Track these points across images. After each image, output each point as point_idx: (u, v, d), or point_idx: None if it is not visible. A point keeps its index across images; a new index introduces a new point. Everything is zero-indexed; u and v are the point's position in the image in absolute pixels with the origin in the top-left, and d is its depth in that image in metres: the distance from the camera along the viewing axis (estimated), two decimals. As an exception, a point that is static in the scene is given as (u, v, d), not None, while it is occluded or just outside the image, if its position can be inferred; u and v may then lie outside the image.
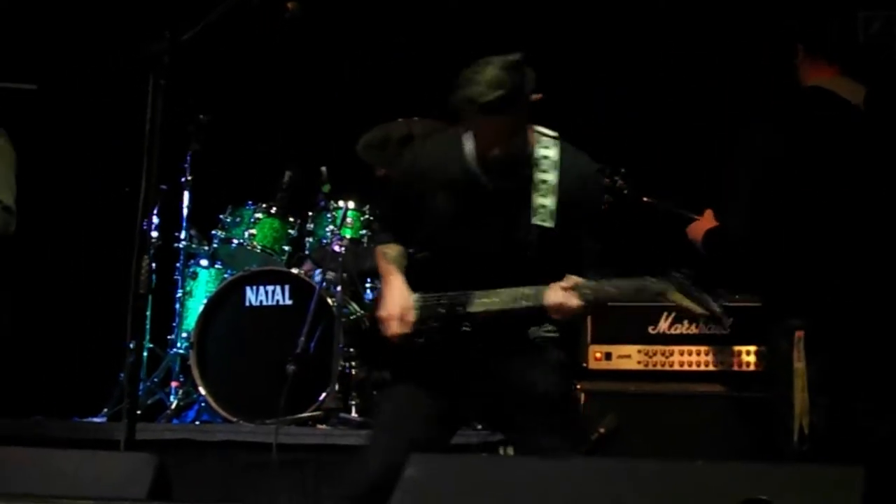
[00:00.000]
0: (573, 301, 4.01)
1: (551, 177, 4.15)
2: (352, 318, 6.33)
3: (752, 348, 5.47)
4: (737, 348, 5.55)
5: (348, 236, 6.53)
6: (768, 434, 4.80)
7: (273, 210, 6.80)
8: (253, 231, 6.74)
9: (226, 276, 6.73)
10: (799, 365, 4.52)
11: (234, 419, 6.19)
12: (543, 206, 4.14)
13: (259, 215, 6.77)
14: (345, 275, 6.37)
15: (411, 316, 4.22)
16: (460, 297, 4.19)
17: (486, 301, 4.14)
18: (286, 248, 6.80)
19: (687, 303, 4.01)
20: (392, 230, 4.45)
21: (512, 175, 4.15)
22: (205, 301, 6.53)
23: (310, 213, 6.75)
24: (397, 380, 4.31)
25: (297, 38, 6.83)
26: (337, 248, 6.42)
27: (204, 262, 6.87)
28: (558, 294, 4.02)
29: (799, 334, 4.54)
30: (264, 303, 6.43)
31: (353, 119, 6.97)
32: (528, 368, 4.23)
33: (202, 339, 6.42)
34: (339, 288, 6.27)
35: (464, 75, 4.04)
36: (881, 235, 4.64)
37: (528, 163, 4.17)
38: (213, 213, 6.94)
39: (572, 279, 4.03)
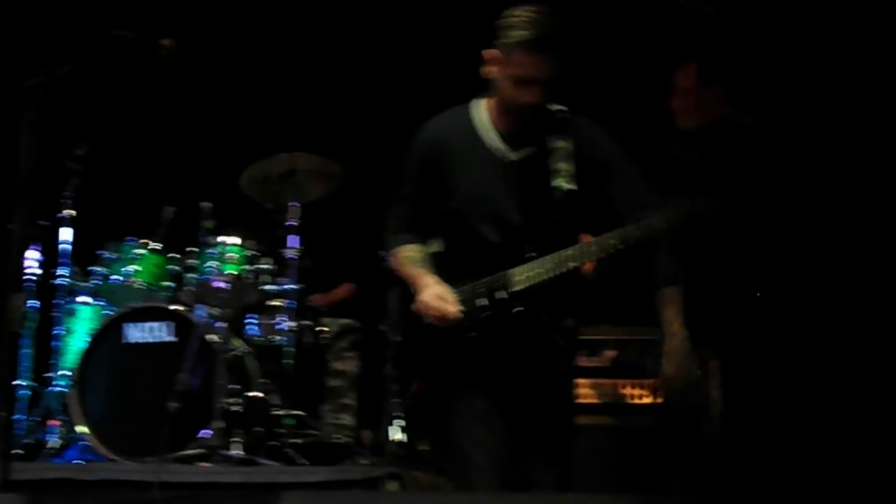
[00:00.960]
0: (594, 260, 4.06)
1: (565, 143, 4.16)
2: (234, 353, 6.30)
3: (643, 380, 5.55)
4: (623, 381, 5.63)
5: (231, 272, 6.50)
6: (657, 464, 4.87)
7: (155, 246, 6.74)
8: (135, 267, 6.68)
9: (107, 312, 6.65)
10: (715, 393, 4.59)
11: (116, 457, 6.11)
12: (563, 169, 4.12)
13: (140, 251, 6.72)
14: (227, 310, 6.35)
15: (454, 302, 4.17)
16: (498, 281, 4.15)
17: (528, 275, 4.11)
18: (168, 284, 6.74)
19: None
20: (411, 230, 4.41)
21: (529, 140, 4.18)
22: (86, 338, 6.45)
23: (192, 249, 6.71)
24: (460, 389, 4.24)
25: (178, 74, 6.80)
26: (219, 284, 6.39)
27: (85, 299, 6.79)
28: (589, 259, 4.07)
29: (714, 364, 4.60)
30: (146, 339, 6.36)
31: (235, 154, 6.97)
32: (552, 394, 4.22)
33: (83, 377, 6.34)
34: (221, 324, 6.24)
35: (505, 21, 4.12)
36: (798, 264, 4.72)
37: (545, 130, 4.20)
38: (94, 249, 6.86)
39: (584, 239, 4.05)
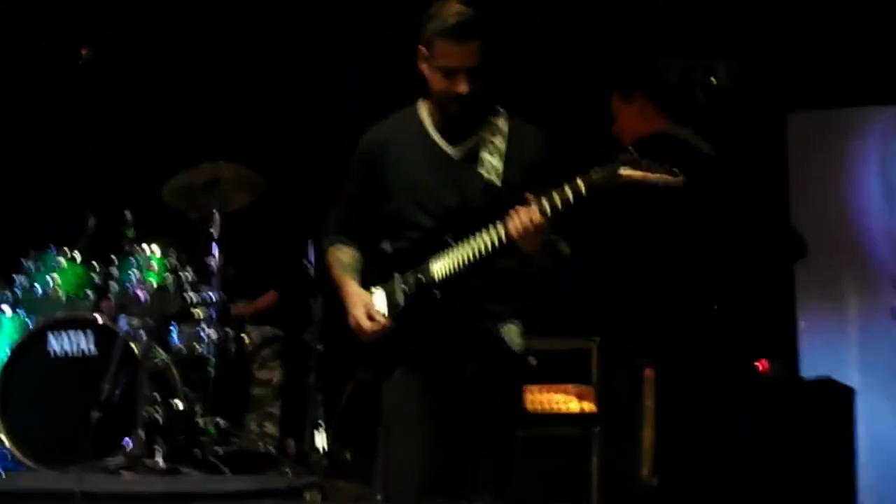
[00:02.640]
0: (535, 216, 3.96)
1: (499, 140, 4.21)
2: (157, 362, 6.29)
3: (569, 387, 5.60)
4: (548, 390, 5.68)
5: (153, 281, 6.48)
6: (580, 473, 4.91)
7: (76, 255, 6.70)
8: (56, 277, 6.64)
9: (29, 323, 6.60)
10: (649, 403, 4.64)
11: (37, 467, 6.06)
12: (490, 163, 4.16)
13: (62, 261, 6.67)
14: (150, 320, 6.33)
15: (377, 312, 4.16)
16: (419, 270, 4.15)
17: (446, 262, 4.12)
18: (90, 293, 6.70)
19: (640, 174, 3.95)
20: (345, 232, 4.41)
21: (467, 133, 4.22)
22: (7, 348, 6.40)
23: (114, 259, 6.67)
24: (392, 387, 4.22)
25: (98, 82, 6.78)
26: (141, 294, 6.37)
27: (6, 309, 6.73)
28: (516, 218, 3.98)
29: (649, 373, 4.65)
30: (68, 350, 6.32)
31: (157, 163, 6.95)
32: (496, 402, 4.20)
33: (5, 388, 6.28)
34: (143, 334, 6.22)
35: (427, 14, 4.17)
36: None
37: (482, 126, 4.24)
38: (15, 258, 6.81)
39: (527, 196, 4.01)
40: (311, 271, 6.91)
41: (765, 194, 6.44)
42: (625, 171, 3.94)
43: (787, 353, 7.22)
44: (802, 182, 7.69)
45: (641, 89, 5.37)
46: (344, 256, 4.39)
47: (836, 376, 6.32)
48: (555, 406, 5.93)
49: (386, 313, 4.19)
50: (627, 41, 7.48)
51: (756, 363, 5.65)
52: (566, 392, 5.92)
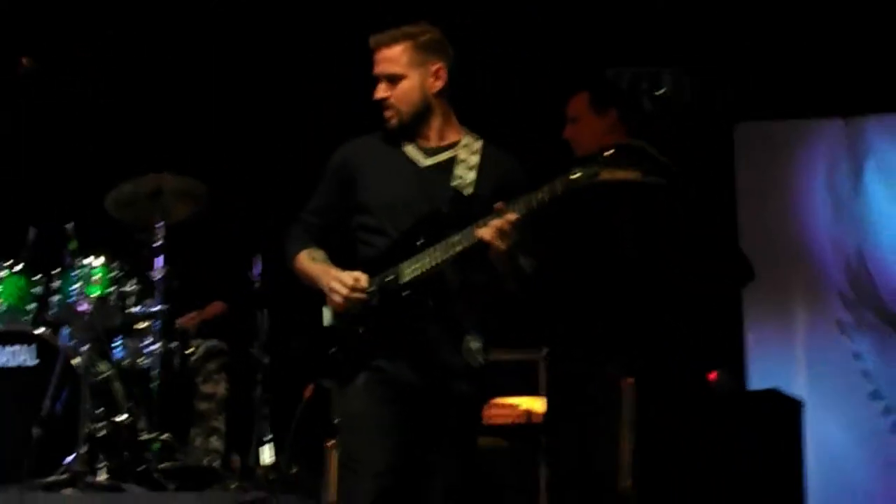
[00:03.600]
0: (509, 217, 3.98)
1: (473, 158, 4.27)
2: (99, 378, 6.21)
3: (525, 399, 5.60)
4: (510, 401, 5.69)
5: (95, 294, 6.40)
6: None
7: (17, 267, 6.61)
8: (-4, 289, 6.55)
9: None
10: (626, 413, 4.63)
11: (-23, 485, 5.98)
12: (461, 177, 4.23)
13: (2, 273, 6.57)
14: (92, 333, 6.25)
15: (363, 280, 4.16)
16: (389, 273, 4.16)
17: (416, 266, 4.12)
18: (31, 307, 6.60)
19: (622, 174, 3.95)
20: (314, 241, 4.39)
21: (442, 149, 4.29)
22: (-54, 362, 6.31)
23: (56, 271, 6.59)
24: (357, 383, 4.18)
25: (39, 92, 6.69)
26: (83, 307, 6.29)
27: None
28: (490, 223, 4.00)
29: (629, 381, 4.64)
30: (8, 364, 6.24)
31: (100, 174, 6.88)
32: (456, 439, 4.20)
33: (-57, 402, 6.20)
34: (85, 347, 6.14)
35: None
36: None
37: (457, 145, 4.30)
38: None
39: (497, 204, 4.02)
40: (257, 284, 6.87)
41: (713, 206, 6.46)
42: (606, 173, 3.94)
43: (734, 364, 7.25)
44: (749, 194, 7.72)
45: (617, 107, 5.36)
46: (318, 255, 4.38)
47: (784, 388, 6.33)
48: (504, 417, 5.93)
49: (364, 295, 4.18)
50: (578, 50, 7.49)
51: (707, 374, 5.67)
52: (514, 403, 5.91)
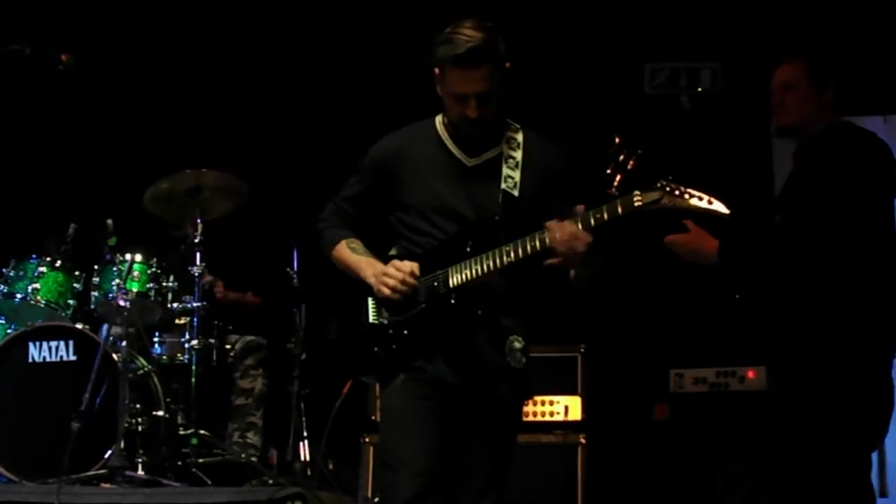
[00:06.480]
0: (579, 232, 4.00)
1: (517, 154, 4.26)
2: (138, 373, 6.23)
3: (560, 398, 5.59)
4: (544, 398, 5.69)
5: (135, 289, 6.43)
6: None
7: (58, 264, 6.64)
8: (37, 285, 6.56)
9: (9, 331, 6.54)
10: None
11: (16, 479, 6.00)
12: (510, 177, 4.22)
13: (43, 269, 6.59)
14: (131, 329, 6.27)
15: (411, 266, 4.17)
16: (438, 276, 4.18)
17: (466, 271, 4.14)
18: (71, 302, 6.64)
19: (681, 202, 3.98)
20: (348, 228, 4.42)
21: (485, 147, 4.27)
22: (-13, 357, 6.35)
23: (95, 267, 6.62)
24: (397, 382, 4.22)
25: (80, 88, 6.73)
26: (123, 302, 6.32)
27: (-14, 316, 6.68)
28: (559, 230, 4.01)
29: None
30: (48, 359, 6.26)
31: (139, 170, 6.91)
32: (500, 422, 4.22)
33: (-16, 396, 6.24)
34: (124, 343, 6.16)
35: (439, 38, 4.19)
36: None
37: (500, 140, 4.29)
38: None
39: (578, 207, 4.04)
40: (295, 280, 6.89)
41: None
42: (667, 201, 3.98)
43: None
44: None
45: (837, 84, 4.77)
46: (357, 245, 4.40)
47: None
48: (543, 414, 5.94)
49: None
50: (618, 47, 7.48)
51: None
52: (553, 400, 5.92)
